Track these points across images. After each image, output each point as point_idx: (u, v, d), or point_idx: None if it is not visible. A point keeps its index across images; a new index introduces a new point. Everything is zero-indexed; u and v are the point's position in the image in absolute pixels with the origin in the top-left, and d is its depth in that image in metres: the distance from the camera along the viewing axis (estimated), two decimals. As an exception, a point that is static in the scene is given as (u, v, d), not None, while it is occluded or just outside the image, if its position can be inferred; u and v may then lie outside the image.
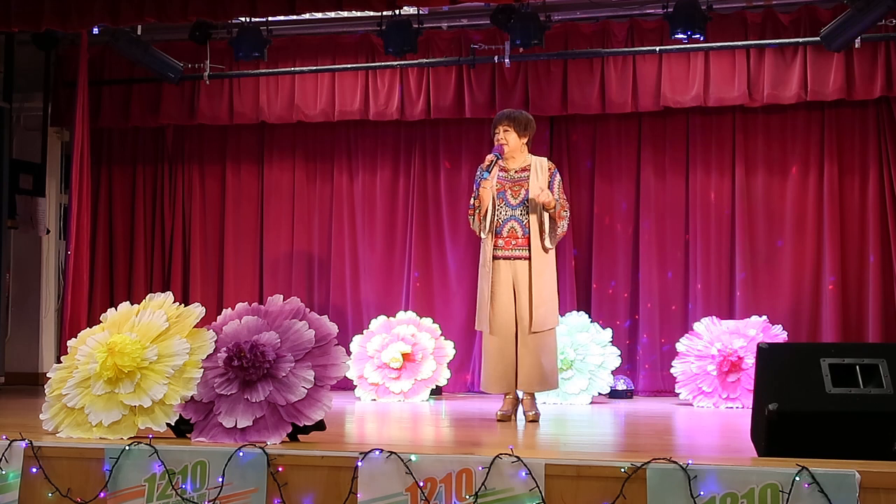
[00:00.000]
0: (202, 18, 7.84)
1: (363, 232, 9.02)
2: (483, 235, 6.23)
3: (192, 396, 4.53)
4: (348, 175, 9.12)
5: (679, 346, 7.72)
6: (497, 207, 6.18)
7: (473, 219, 6.25)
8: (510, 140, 6.20)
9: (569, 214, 6.27)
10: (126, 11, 7.23)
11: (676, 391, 7.68)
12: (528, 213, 6.15)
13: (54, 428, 4.65)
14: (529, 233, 6.14)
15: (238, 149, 9.34)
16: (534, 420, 6.10)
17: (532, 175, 6.20)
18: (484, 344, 6.33)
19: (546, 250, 6.19)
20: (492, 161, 6.10)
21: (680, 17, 7.60)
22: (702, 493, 3.73)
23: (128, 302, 4.99)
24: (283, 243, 9.19)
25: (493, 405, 6.77)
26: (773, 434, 4.12)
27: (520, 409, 6.33)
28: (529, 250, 6.14)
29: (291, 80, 8.93)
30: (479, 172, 6.24)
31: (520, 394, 6.30)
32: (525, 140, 6.28)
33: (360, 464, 4.03)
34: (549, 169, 6.25)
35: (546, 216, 6.15)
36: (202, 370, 4.56)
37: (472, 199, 6.27)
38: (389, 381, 7.86)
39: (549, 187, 6.17)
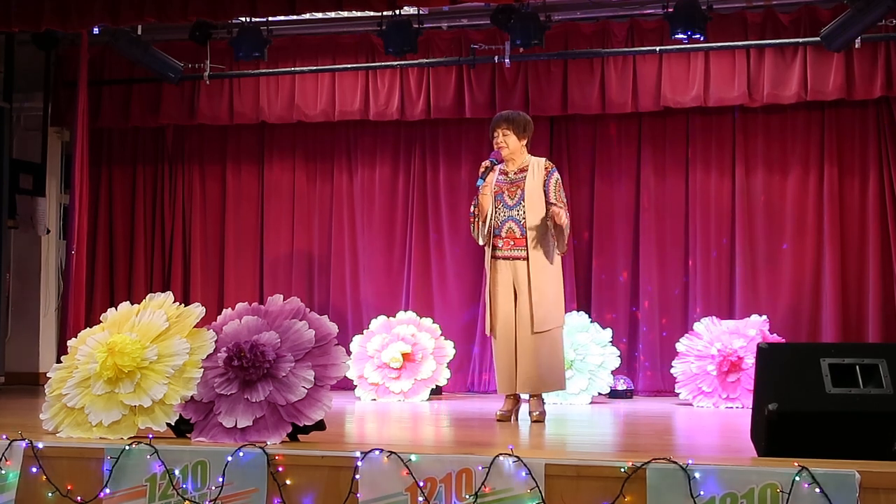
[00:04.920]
0: (202, 18, 7.84)
1: (363, 232, 9.02)
2: (481, 242, 6.19)
3: (192, 396, 4.53)
4: (348, 175, 9.12)
5: (679, 346, 7.72)
6: (495, 209, 6.14)
7: (474, 226, 6.19)
8: (510, 143, 6.15)
9: (568, 213, 6.20)
10: (126, 11, 7.23)
11: (676, 391, 7.68)
12: (525, 214, 6.10)
13: (54, 428, 4.65)
14: (527, 232, 6.09)
15: (238, 149, 9.34)
16: (538, 420, 6.06)
17: (529, 175, 6.14)
18: (493, 346, 6.31)
19: (563, 252, 6.15)
20: (486, 167, 6.07)
21: (680, 17, 7.60)
22: (702, 493, 3.73)
23: (128, 302, 4.99)
24: (283, 243, 9.19)
25: (493, 405, 6.77)
26: (773, 434, 4.12)
27: (523, 408, 6.32)
28: (527, 250, 6.10)
29: (291, 80, 8.94)
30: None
31: (524, 394, 6.27)
32: (524, 142, 6.23)
33: (359, 464, 4.03)
34: (546, 168, 6.16)
35: (551, 225, 6.07)
36: (202, 370, 4.56)
37: (472, 206, 6.22)
38: (389, 381, 7.86)
39: (544, 186, 6.10)
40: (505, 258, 6.12)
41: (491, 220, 6.12)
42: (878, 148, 8.16)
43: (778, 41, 8.05)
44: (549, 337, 6.09)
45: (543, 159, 6.26)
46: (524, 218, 6.08)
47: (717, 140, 8.48)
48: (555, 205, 6.03)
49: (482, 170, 6.07)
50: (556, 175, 6.17)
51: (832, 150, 8.23)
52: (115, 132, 9.48)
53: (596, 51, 8.36)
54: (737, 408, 7.31)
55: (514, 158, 6.19)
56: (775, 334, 7.67)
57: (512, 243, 6.11)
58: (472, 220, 6.21)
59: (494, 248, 6.15)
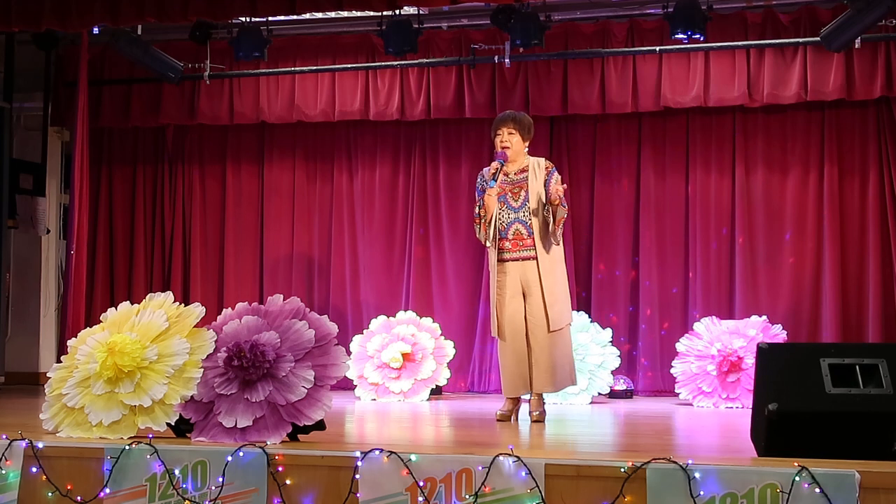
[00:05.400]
0: (202, 18, 7.84)
1: (363, 232, 9.02)
2: (488, 244, 6.18)
3: (192, 396, 4.53)
4: (348, 175, 9.12)
5: (679, 346, 7.72)
6: (499, 212, 6.13)
7: (479, 228, 6.16)
8: (514, 143, 6.14)
9: (567, 206, 6.21)
10: (126, 11, 7.23)
11: (676, 391, 7.68)
12: (530, 214, 6.12)
13: (54, 428, 4.65)
14: (534, 233, 6.11)
15: (238, 149, 9.34)
16: (538, 420, 6.07)
17: (531, 175, 6.15)
18: (499, 349, 6.30)
19: (557, 243, 6.16)
20: (497, 169, 6.06)
21: (680, 17, 7.60)
22: (702, 493, 3.73)
23: (128, 302, 4.99)
24: (283, 243, 9.19)
25: (493, 405, 6.77)
26: (773, 434, 4.12)
27: (523, 408, 6.32)
28: (536, 250, 6.10)
29: (291, 80, 8.94)
30: (479, 180, 6.18)
31: (525, 395, 6.27)
32: (527, 143, 6.25)
33: (360, 463, 4.03)
34: (546, 168, 6.18)
35: (548, 212, 6.09)
36: (202, 370, 4.56)
37: (476, 207, 6.19)
38: (389, 380, 7.86)
39: (545, 186, 6.11)
40: (513, 260, 6.13)
41: (496, 221, 6.12)
42: (878, 148, 8.16)
43: (778, 41, 8.05)
44: (562, 335, 6.13)
45: (543, 159, 6.26)
46: (530, 219, 6.09)
47: (717, 140, 8.48)
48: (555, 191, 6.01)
49: (493, 172, 6.06)
50: (557, 174, 6.19)
51: (832, 150, 8.24)
52: (115, 132, 9.48)
53: (596, 51, 8.36)
54: (737, 408, 7.31)
55: (516, 159, 6.20)
56: (779, 325, 7.66)
57: (520, 244, 6.11)
58: (476, 221, 6.18)
59: (501, 250, 6.14)
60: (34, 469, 4.33)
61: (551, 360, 6.07)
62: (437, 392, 8.14)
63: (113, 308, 4.96)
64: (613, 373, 7.88)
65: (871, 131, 8.18)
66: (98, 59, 9.05)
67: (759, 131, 8.39)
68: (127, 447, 4.28)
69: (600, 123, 8.69)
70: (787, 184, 8.33)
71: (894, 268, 8.02)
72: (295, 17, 8.26)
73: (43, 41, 8.95)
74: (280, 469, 4.12)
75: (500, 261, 6.15)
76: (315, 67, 8.84)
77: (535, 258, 6.09)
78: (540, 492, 3.86)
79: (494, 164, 6.09)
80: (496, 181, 6.06)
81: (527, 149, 6.27)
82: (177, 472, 4.20)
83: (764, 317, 7.69)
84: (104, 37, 8.52)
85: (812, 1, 8.07)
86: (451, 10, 8.24)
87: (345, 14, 8.39)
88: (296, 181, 9.23)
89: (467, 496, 3.93)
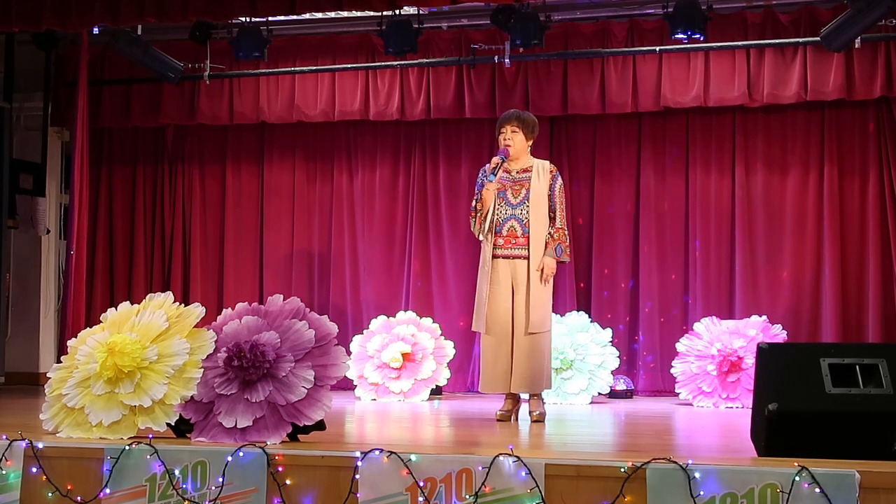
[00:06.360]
0: (202, 18, 7.84)
1: (363, 232, 9.02)
2: (482, 238, 6.21)
3: (192, 396, 4.53)
4: (348, 175, 9.12)
5: (679, 346, 7.72)
6: (497, 207, 6.17)
7: (474, 221, 6.21)
8: (517, 141, 6.19)
9: (566, 218, 6.28)
10: (126, 11, 7.23)
11: (676, 391, 7.69)
12: (528, 214, 6.14)
13: (54, 428, 4.65)
14: (529, 232, 6.13)
15: (238, 149, 9.34)
16: (538, 420, 6.09)
17: (534, 177, 6.19)
18: (482, 344, 6.32)
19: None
20: (497, 164, 6.09)
21: (680, 17, 7.60)
22: (702, 493, 3.74)
23: (128, 302, 4.99)
24: (283, 243, 9.19)
25: (493, 405, 6.77)
26: (773, 434, 4.12)
27: (523, 408, 6.33)
28: (528, 250, 6.12)
29: (291, 80, 8.94)
30: (481, 175, 6.22)
31: (525, 394, 6.28)
32: (530, 142, 6.28)
33: (360, 463, 4.03)
34: (551, 172, 6.23)
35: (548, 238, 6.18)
36: (202, 370, 4.56)
37: (473, 200, 6.24)
38: (389, 380, 7.87)
39: (549, 190, 6.18)
40: (505, 257, 6.15)
41: (493, 217, 6.14)
42: (878, 148, 8.16)
43: (778, 41, 8.06)
44: (541, 339, 6.16)
45: (547, 162, 6.32)
46: (528, 218, 6.12)
47: (717, 140, 8.48)
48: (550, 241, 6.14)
49: (493, 166, 6.09)
50: (561, 181, 6.26)
51: (832, 150, 8.24)
52: (115, 132, 9.48)
53: (596, 51, 8.36)
54: (737, 408, 7.31)
55: (519, 157, 6.24)
56: (779, 325, 7.66)
57: (513, 242, 6.13)
58: (472, 214, 6.23)
59: (494, 246, 6.16)
60: (34, 469, 4.33)
61: (530, 362, 6.09)
62: (437, 392, 8.14)
63: (113, 308, 4.96)
64: (613, 373, 7.88)
65: (871, 131, 8.18)
66: (98, 59, 9.05)
67: (759, 131, 8.39)
68: (127, 447, 4.28)
69: (600, 123, 8.69)
70: (787, 184, 8.32)
71: (894, 268, 8.02)
72: (295, 17, 8.26)
73: (43, 41, 8.94)
74: (280, 469, 4.12)
75: (493, 257, 6.17)
76: (315, 67, 8.84)
77: (528, 258, 6.12)
78: (540, 492, 3.86)
79: (496, 159, 6.12)
80: (495, 175, 6.08)
81: (530, 147, 6.30)
82: (177, 472, 4.20)
83: (764, 317, 7.70)
84: (104, 37, 8.52)
85: (812, 1, 8.07)
86: (451, 10, 8.24)
87: (345, 14, 8.39)
88: (296, 181, 9.23)
89: (467, 496, 3.93)
